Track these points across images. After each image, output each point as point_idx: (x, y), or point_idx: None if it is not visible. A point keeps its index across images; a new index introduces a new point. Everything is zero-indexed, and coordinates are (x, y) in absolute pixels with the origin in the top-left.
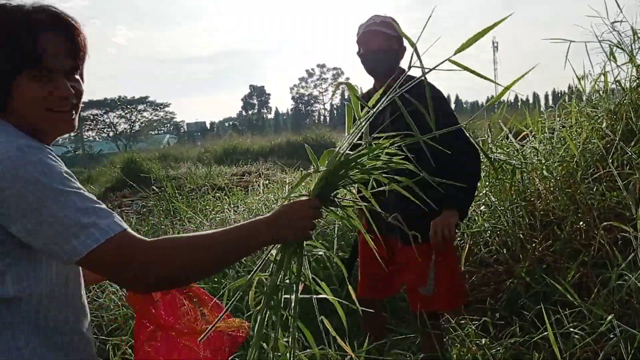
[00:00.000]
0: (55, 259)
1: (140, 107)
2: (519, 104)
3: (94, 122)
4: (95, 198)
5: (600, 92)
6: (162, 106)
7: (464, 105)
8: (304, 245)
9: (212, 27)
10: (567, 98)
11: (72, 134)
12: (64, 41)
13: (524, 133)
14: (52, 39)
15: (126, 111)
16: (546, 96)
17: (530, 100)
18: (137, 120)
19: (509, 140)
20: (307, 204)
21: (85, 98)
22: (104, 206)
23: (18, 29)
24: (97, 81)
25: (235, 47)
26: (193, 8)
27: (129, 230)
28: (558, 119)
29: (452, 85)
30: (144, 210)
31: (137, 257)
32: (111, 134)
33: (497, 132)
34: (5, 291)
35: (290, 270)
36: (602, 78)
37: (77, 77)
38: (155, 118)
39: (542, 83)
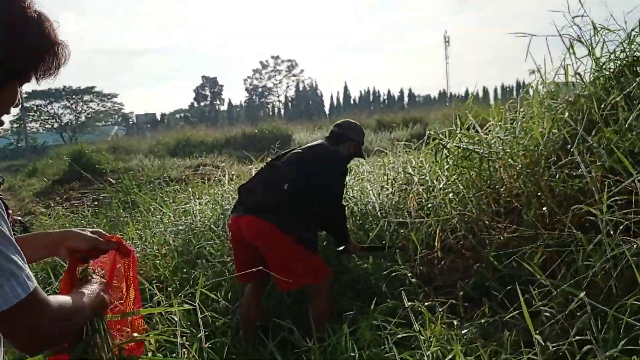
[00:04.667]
0: None
1: (87, 97)
2: (470, 97)
3: (38, 113)
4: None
5: (560, 84)
6: (109, 97)
7: (417, 99)
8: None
9: (164, 19)
10: (528, 90)
11: (16, 125)
12: None
13: (489, 124)
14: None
15: (71, 102)
16: (502, 88)
17: (491, 94)
18: (83, 111)
19: (474, 130)
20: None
21: (28, 88)
22: (12, 257)
23: (46, 31)
24: None
25: (186, 38)
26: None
27: (31, 296)
28: (521, 109)
29: (405, 79)
30: (96, 203)
31: (40, 329)
32: (56, 125)
33: (453, 123)
34: None
35: None
36: (562, 71)
37: None
38: (102, 109)
39: (498, 77)
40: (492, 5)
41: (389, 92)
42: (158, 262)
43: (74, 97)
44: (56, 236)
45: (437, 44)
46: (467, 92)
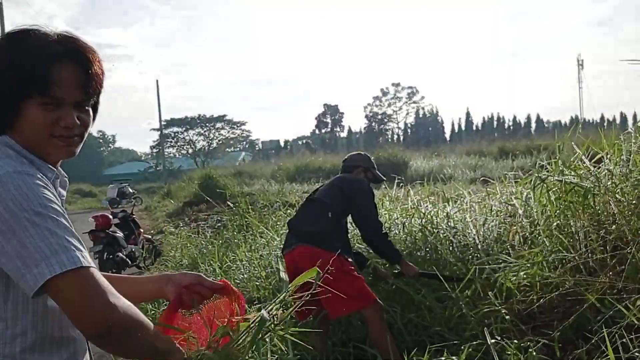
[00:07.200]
0: (24, 290)
1: (218, 125)
2: (605, 123)
3: (175, 139)
4: (71, 230)
5: None
6: (239, 124)
7: (546, 125)
8: None
9: (285, 49)
10: None
11: (155, 151)
12: (80, 73)
13: (599, 156)
14: (67, 69)
15: (205, 129)
16: (634, 115)
17: (618, 120)
18: (214, 137)
19: (583, 162)
20: None
21: (167, 116)
22: (75, 240)
23: (34, 56)
24: (179, 100)
25: (308, 67)
26: (266, 32)
27: (93, 269)
28: (634, 141)
29: (534, 105)
30: (219, 224)
31: (99, 297)
32: (190, 151)
33: (569, 153)
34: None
35: None
36: None
37: (88, 108)
38: (232, 136)
39: (632, 101)
40: (631, 24)
41: (514, 118)
42: (257, 283)
43: (207, 124)
44: (161, 276)
45: (570, 67)
46: (602, 118)
